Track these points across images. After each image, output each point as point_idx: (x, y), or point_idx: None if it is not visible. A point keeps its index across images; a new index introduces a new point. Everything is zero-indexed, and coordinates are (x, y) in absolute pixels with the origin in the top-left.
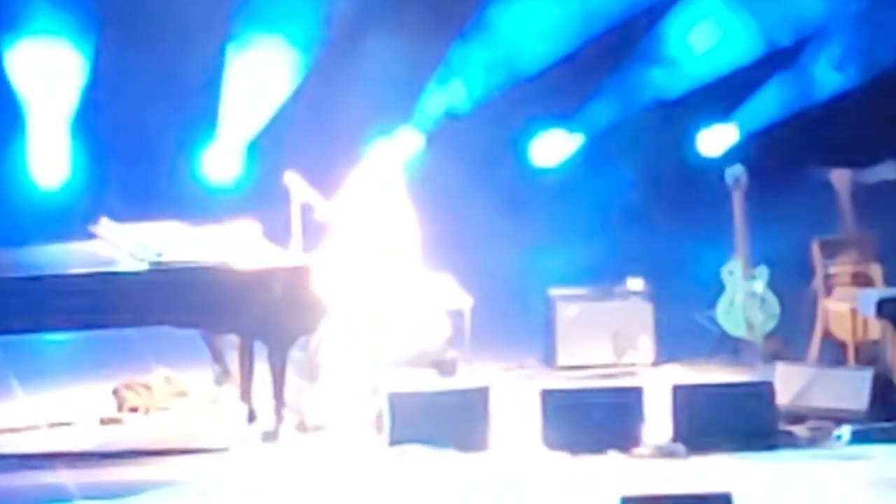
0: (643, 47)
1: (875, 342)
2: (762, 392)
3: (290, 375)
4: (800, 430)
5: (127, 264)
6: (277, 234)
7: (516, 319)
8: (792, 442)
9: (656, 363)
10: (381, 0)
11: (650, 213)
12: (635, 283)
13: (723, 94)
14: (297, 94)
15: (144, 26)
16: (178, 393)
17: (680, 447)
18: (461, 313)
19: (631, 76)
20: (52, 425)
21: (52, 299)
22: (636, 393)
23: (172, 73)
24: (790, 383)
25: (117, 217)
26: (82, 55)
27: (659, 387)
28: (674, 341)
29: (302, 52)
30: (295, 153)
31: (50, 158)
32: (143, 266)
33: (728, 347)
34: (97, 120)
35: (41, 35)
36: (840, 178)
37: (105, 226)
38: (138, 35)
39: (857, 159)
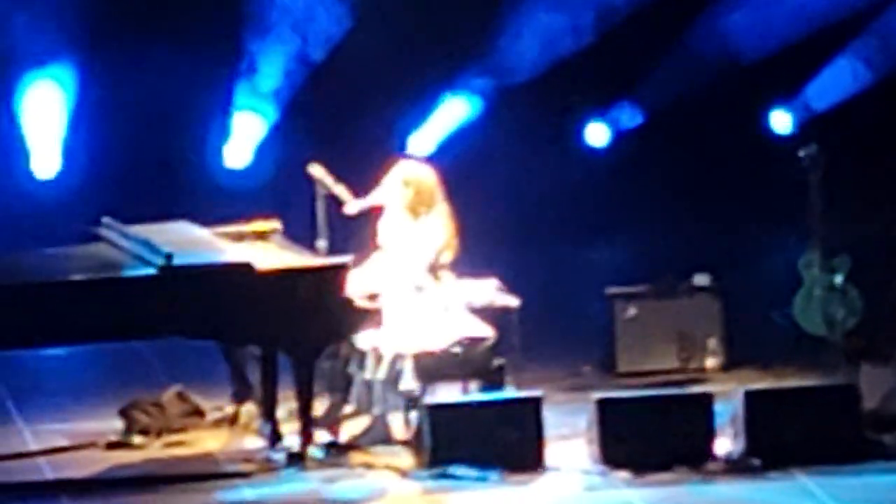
0: (707, 12)
1: None
2: (846, 397)
3: (318, 390)
4: (889, 439)
5: (133, 268)
6: (301, 232)
7: (570, 322)
8: (880, 452)
9: (727, 367)
10: None
11: (717, 200)
12: (702, 279)
13: (796, 65)
14: (323, 72)
15: (153, 10)
16: (194, 412)
17: (755, 461)
18: (508, 316)
19: (694, 45)
20: (53, 451)
21: (50, 309)
22: (705, 401)
23: (181, 53)
24: (876, 386)
25: (120, 215)
26: (83, 42)
27: (730, 394)
28: (746, 342)
29: (326, 25)
30: (320, 141)
31: (46, 148)
32: (152, 270)
33: (806, 348)
34: (97, 109)
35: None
36: None
37: (108, 226)
38: (144, 20)
39: None
